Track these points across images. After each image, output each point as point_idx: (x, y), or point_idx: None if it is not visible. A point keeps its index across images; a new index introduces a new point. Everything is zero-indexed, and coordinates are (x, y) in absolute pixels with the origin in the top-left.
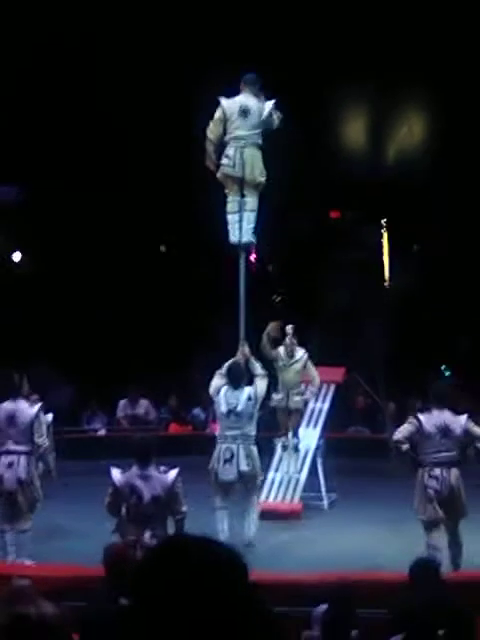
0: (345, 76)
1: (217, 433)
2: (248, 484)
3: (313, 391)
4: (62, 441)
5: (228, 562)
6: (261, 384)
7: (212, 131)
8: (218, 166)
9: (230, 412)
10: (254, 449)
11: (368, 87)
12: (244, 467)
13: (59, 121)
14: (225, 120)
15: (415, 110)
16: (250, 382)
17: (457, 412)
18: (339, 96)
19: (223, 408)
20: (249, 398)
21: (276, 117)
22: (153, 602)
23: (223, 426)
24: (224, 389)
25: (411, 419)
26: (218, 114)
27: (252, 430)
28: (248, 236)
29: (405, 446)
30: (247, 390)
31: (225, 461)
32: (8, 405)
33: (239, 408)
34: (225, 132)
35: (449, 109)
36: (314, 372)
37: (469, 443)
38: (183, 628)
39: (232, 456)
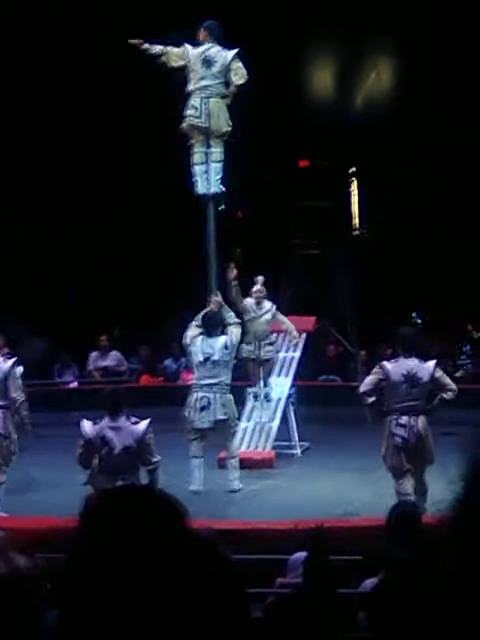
0: (312, 22)
1: (192, 381)
2: (224, 432)
3: (295, 341)
4: (34, 394)
5: (165, 508)
6: (236, 331)
7: (167, 51)
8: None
9: (206, 360)
10: (230, 397)
11: (336, 34)
12: (221, 416)
13: (30, 77)
14: (186, 66)
15: (383, 56)
16: (224, 331)
17: (425, 358)
18: (307, 44)
19: (200, 357)
20: (225, 346)
21: (241, 72)
22: (89, 549)
23: (199, 375)
24: (200, 338)
25: (377, 368)
26: (181, 51)
27: (228, 379)
28: (216, 186)
29: (370, 399)
30: (222, 339)
31: (201, 408)
32: None
33: (215, 356)
34: (186, 79)
35: (417, 55)
36: (288, 322)
37: (437, 391)
38: (121, 571)
39: (209, 404)
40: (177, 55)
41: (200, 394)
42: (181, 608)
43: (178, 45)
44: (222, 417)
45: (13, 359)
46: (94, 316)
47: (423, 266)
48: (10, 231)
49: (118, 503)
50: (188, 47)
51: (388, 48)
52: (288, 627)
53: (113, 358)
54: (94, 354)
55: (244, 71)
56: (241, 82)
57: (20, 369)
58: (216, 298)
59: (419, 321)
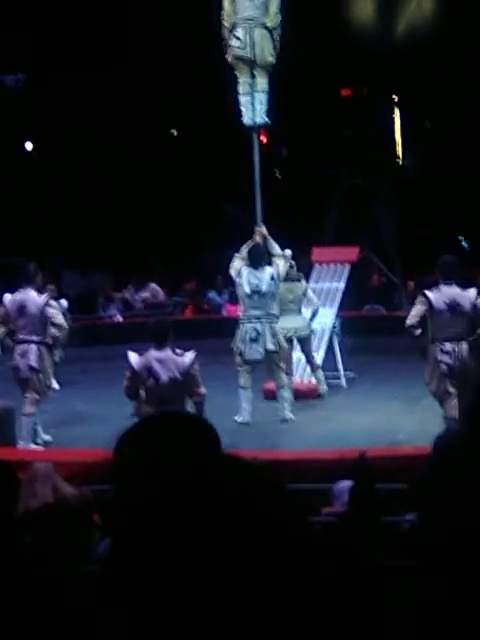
0: None
1: (240, 313)
2: (275, 362)
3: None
4: (79, 328)
5: (196, 430)
6: (281, 263)
7: (228, 17)
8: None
9: (254, 293)
10: (278, 328)
11: None
12: (271, 346)
13: (63, 6)
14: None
15: None
16: (269, 262)
17: (466, 286)
18: None
19: (247, 289)
20: (272, 277)
21: (276, 18)
22: (132, 473)
23: (247, 307)
24: (246, 270)
25: (420, 297)
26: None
27: (275, 309)
28: (261, 117)
29: (418, 331)
30: (269, 270)
31: (251, 340)
32: (18, 295)
33: (263, 288)
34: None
35: None
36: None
37: (477, 319)
38: (161, 495)
39: (258, 335)
40: (229, 3)
41: (249, 326)
42: (229, 530)
43: None
44: (272, 348)
45: (47, 294)
46: (138, 250)
47: (466, 194)
48: (51, 164)
49: (151, 427)
50: None
51: None
52: (334, 556)
53: (149, 290)
54: (130, 287)
55: (279, 16)
56: (270, 25)
57: (65, 303)
58: (261, 230)
59: (466, 245)
